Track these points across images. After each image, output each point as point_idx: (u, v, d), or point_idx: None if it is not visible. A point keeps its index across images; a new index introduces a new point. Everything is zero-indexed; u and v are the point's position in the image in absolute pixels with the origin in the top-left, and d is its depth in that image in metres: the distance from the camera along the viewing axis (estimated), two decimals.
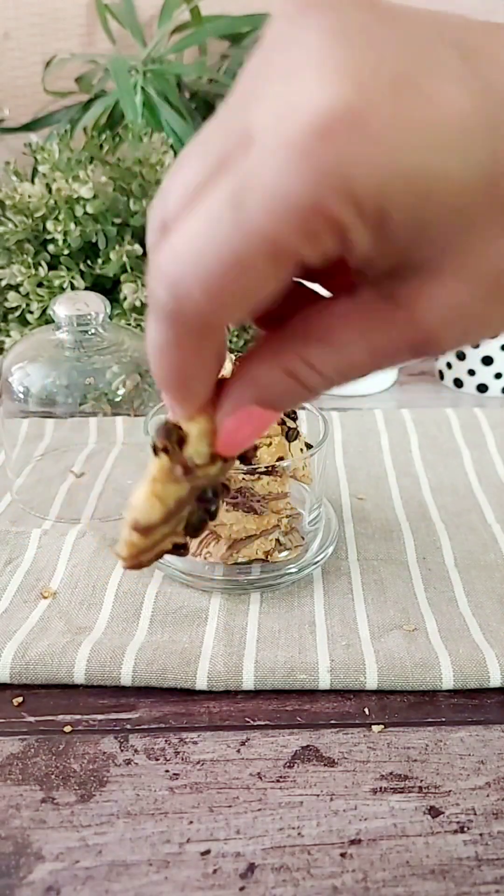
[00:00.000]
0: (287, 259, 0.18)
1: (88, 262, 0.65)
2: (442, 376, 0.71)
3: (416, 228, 0.19)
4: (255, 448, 0.40)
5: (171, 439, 0.25)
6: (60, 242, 0.63)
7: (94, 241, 0.65)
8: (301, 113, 0.17)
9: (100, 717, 0.36)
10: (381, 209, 0.18)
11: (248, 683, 0.37)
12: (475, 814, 0.31)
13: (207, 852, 0.29)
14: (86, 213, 0.63)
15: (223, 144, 0.19)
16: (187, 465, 0.25)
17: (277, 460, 0.40)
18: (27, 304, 0.64)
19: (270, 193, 0.17)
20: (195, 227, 0.19)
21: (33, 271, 0.63)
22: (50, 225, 0.63)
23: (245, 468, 0.40)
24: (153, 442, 0.25)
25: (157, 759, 0.33)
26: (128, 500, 0.26)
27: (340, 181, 0.17)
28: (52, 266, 0.65)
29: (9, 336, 0.65)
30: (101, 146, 0.67)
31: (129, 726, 0.35)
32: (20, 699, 0.36)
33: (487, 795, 0.32)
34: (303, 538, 0.44)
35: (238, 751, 0.34)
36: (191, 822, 0.31)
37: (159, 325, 0.20)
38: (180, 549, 0.29)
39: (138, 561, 0.28)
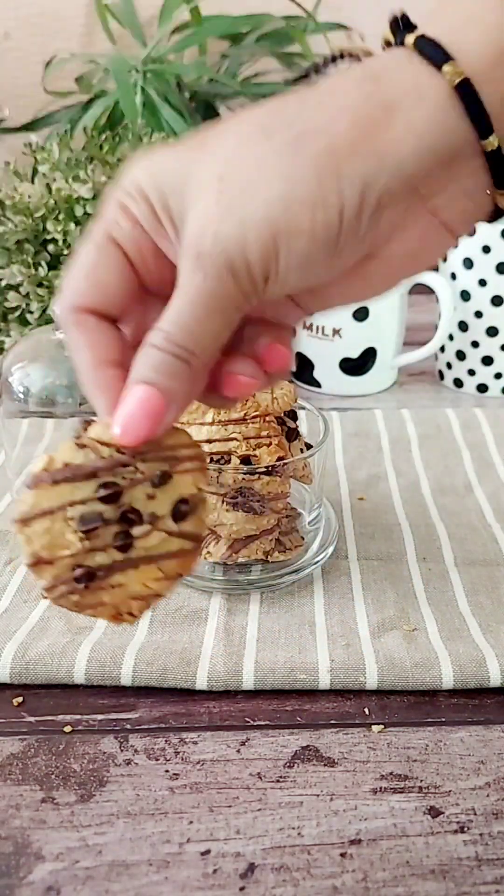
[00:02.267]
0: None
1: None
2: (442, 376, 0.71)
3: None
4: (255, 448, 0.40)
5: None
6: (60, 242, 0.63)
7: None
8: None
9: (100, 717, 0.36)
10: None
11: (248, 683, 0.37)
12: (475, 814, 0.31)
13: (207, 852, 0.29)
14: (86, 213, 0.63)
15: None
16: None
17: (277, 460, 0.40)
18: (27, 304, 0.64)
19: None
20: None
21: (33, 271, 0.63)
22: (50, 225, 0.63)
23: (245, 468, 0.40)
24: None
25: (157, 759, 0.33)
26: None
27: None
28: (52, 266, 0.65)
29: (9, 336, 0.65)
30: (101, 146, 0.67)
31: (129, 726, 0.35)
32: (20, 699, 0.36)
33: (487, 795, 0.32)
34: (303, 538, 0.44)
35: (238, 751, 0.34)
36: (191, 822, 0.31)
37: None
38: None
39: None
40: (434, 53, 0.25)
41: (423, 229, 0.27)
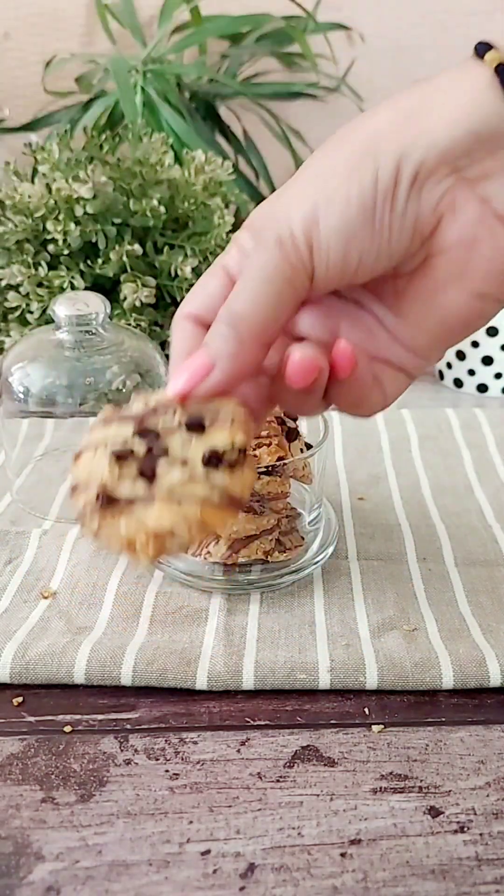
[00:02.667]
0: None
1: (88, 262, 0.65)
2: (442, 376, 0.71)
3: None
4: (256, 448, 0.40)
5: None
6: (60, 242, 0.63)
7: (93, 241, 0.64)
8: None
9: (100, 717, 0.36)
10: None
11: (248, 683, 0.37)
12: (475, 814, 0.31)
13: (207, 852, 0.29)
14: (86, 213, 0.63)
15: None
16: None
17: (277, 460, 0.40)
18: (27, 304, 0.64)
19: None
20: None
21: (33, 271, 0.63)
22: (50, 225, 0.63)
23: None
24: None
25: (157, 759, 0.33)
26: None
27: None
28: (52, 266, 0.65)
29: (9, 336, 0.65)
30: (101, 146, 0.67)
31: (129, 726, 0.35)
32: (20, 699, 0.36)
33: (487, 795, 0.32)
34: (303, 538, 0.44)
35: (238, 751, 0.34)
36: (191, 822, 0.31)
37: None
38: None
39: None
40: (481, 48, 0.27)
41: (475, 217, 0.27)
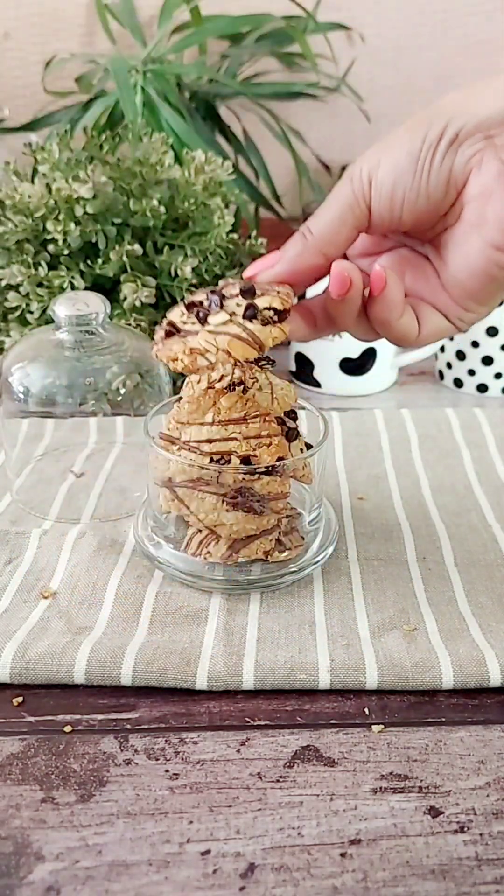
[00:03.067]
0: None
1: (88, 262, 0.65)
2: (442, 376, 0.71)
3: None
4: (255, 448, 0.40)
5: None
6: (60, 242, 0.63)
7: (93, 241, 0.64)
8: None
9: (100, 717, 0.36)
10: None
11: (248, 683, 0.37)
12: (475, 814, 0.31)
13: (207, 852, 0.29)
14: (86, 213, 0.63)
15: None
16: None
17: (277, 460, 0.40)
18: (27, 304, 0.64)
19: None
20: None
21: (33, 271, 0.63)
22: (50, 225, 0.63)
23: (245, 468, 0.39)
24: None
25: (157, 759, 0.33)
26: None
27: None
28: (52, 266, 0.65)
29: (9, 336, 0.65)
30: (101, 146, 0.67)
31: (129, 726, 0.35)
32: (20, 699, 0.36)
33: (487, 795, 0.32)
34: (303, 538, 0.44)
35: (238, 751, 0.34)
36: (191, 822, 0.31)
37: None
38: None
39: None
40: None
41: (494, 174, 0.34)
